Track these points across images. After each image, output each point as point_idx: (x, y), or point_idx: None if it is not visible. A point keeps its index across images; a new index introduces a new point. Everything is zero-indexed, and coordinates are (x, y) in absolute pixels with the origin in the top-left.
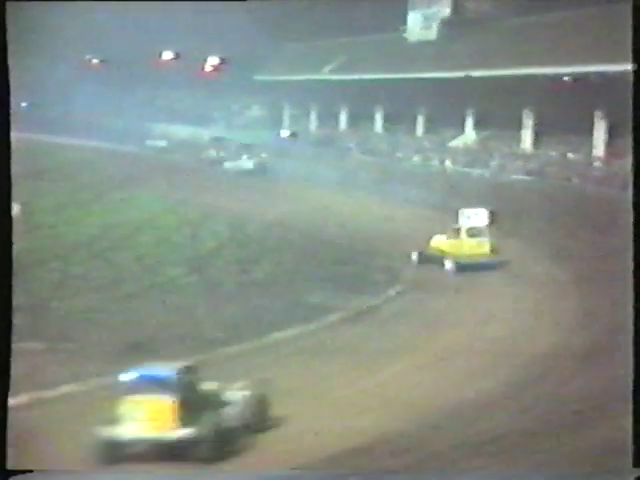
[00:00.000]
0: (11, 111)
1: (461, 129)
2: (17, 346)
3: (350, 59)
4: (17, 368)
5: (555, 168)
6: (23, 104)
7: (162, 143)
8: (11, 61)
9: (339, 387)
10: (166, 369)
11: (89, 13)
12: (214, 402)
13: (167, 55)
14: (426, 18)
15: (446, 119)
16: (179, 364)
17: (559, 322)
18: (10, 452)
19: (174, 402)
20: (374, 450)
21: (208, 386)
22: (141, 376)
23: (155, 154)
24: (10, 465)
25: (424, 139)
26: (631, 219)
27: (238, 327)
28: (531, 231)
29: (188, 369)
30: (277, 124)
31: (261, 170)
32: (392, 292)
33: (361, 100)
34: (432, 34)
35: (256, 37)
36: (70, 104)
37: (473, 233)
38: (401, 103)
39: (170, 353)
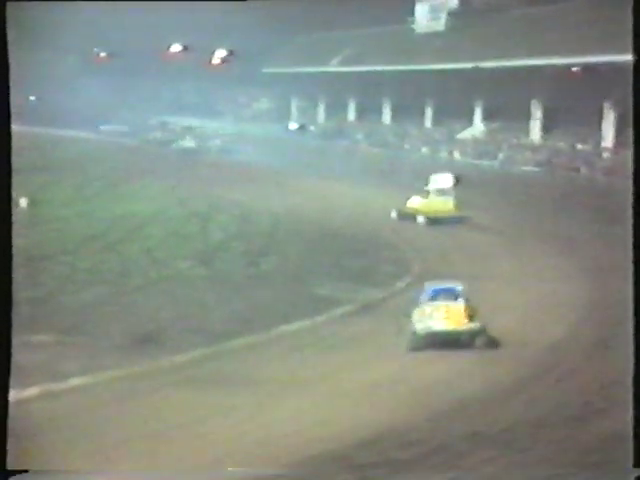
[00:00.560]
0: (20, 105)
1: (469, 120)
2: (26, 339)
3: (358, 51)
4: (26, 361)
5: (564, 159)
6: (31, 98)
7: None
8: (19, 55)
9: (348, 379)
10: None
11: (97, 6)
12: None
13: (175, 48)
14: (434, 9)
15: (454, 110)
16: None
17: (567, 313)
18: (14, 449)
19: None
20: (383, 442)
21: None
22: (436, 289)
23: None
24: (12, 464)
25: (432, 131)
26: (630, 210)
27: (246, 319)
28: (539, 222)
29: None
30: (285, 116)
31: (205, 150)
32: (401, 284)
33: (369, 92)
34: (440, 25)
35: (264, 29)
36: (78, 97)
37: (440, 193)
38: (409, 95)
39: (179, 345)
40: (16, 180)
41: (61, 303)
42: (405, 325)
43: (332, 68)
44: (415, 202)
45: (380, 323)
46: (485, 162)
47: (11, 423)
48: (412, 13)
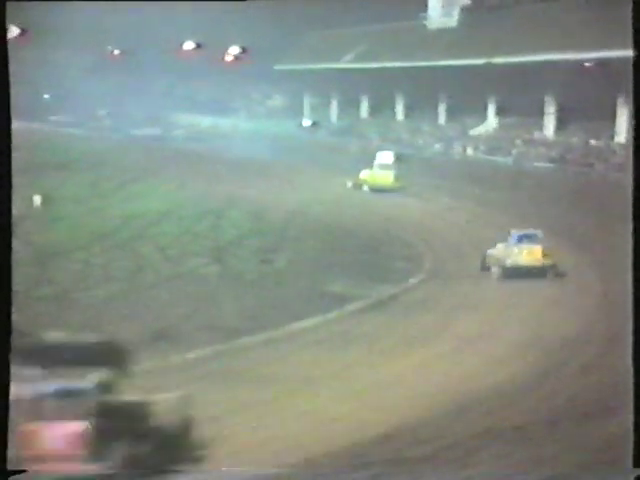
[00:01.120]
0: (34, 103)
1: (483, 116)
2: (39, 335)
3: (371, 47)
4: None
5: (577, 155)
6: (46, 96)
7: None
8: (34, 54)
9: (360, 376)
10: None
11: (110, 5)
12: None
13: (188, 45)
14: (446, 5)
15: (467, 106)
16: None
17: (580, 310)
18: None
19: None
20: (395, 439)
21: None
22: (521, 235)
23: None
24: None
25: (445, 127)
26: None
27: (259, 317)
28: (553, 218)
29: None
30: (298, 113)
31: (171, 138)
32: (413, 280)
33: (382, 88)
34: (453, 21)
35: (276, 26)
36: (92, 95)
37: (382, 168)
38: (422, 91)
39: (191, 342)
40: (30, 178)
41: (74, 300)
42: None
43: (345, 65)
44: (363, 175)
45: (392, 320)
46: (498, 158)
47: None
48: (425, 9)
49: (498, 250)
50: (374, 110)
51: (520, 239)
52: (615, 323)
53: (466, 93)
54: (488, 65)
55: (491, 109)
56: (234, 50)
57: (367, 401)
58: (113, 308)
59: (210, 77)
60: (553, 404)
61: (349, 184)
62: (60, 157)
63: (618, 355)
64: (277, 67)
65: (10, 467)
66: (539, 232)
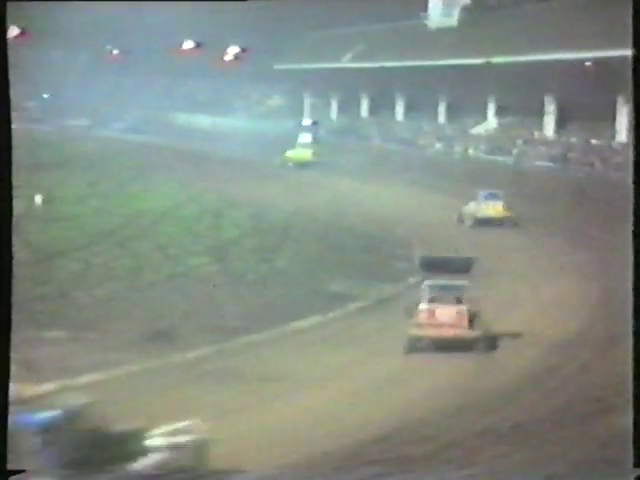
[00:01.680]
0: (34, 103)
1: (483, 116)
2: (40, 335)
3: (370, 47)
4: (40, 357)
5: (578, 154)
6: (45, 96)
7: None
8: (33, 54)
9: (361, 375)
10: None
11: (109, 4)
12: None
13: (188, 45)
14: (447, 5)
15: (468, 106)
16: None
17: (580, 309)
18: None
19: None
20: (394, 438)
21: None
22: (486, 194)
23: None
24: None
25: (446, 126)
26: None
27: (259, 316)
28: (553, 217)
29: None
30: (298, 113)
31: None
32: (413, 280)
33: (382, 88)
34: (453, 21)
35: (276, 26)
36: (91, 95)
37: (302, 146)
38: (422, 90)
39: (191, 342)
40: (30, 177)
41: (75, 299)
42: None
43: (345, 64)
44: (288, 153)
45: (393, 319)
46: (499, 157)
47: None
48: (425, 9)
49: (470, 206)
50: (374, 110)
51: (486, 197)
52: (615, 323)
53: (466, 92)
54: (488, 65)
55: (491, 108)
56: (234, 50)
57: (367, 400)
58: (113, 307)
59: (210, 77)
60: (553, 403)
61: (276, 162)
62: (59, 156)
63: (618, 354)
64: (277, 67)
65: (10, 467)
66: (500, 192)
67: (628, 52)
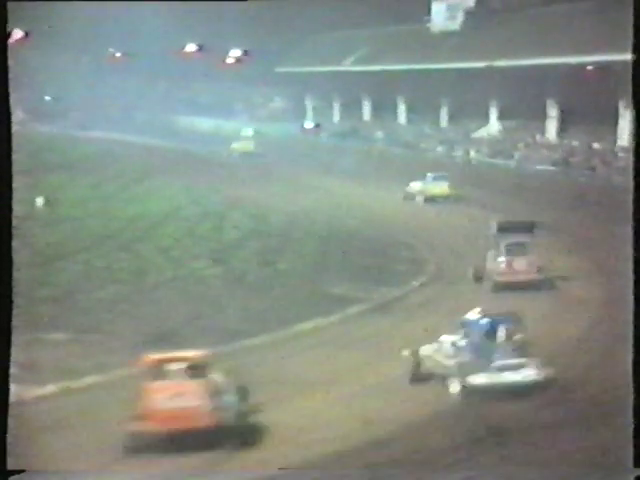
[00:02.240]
0: (36, 105)
1: (485, 119)
2: (42, 337)
3: (373, 50)
4: (42, 359)
5: (580, 158)
6: (47, 98)
7: None
8: (35, 56)
9: (363, 378)
10: None
11: (112, 7)
12: None
13: (190, 47)
14: (450, 8)
15: (470, 109)
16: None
17: (582, 313)
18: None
19: None
20: (397, 441)
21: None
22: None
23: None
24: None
25: (448, 130)
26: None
27: (261, 319)
28: (555, 221)
29: None
30: (300, 116)
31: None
32: (415, 283)
33: (384, 91)
34: (456, 24)
35: (278, 29)
36: (94, 97)
37: (243, 139)
38: (425, 94)
39: (193, 344)
40: (32, 180)
41: (77, 302)
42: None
43: (347, 67)
44: (233, 144)
45: (395, 322)
46: (501, 161)
47: (18, 421)
48: (428, 12)
49: (418, 185)
50: (376, 113)
51: (434, 179)
52: (616, 326)
53: (469, 96)
54: (491, 68)
55: (493, 112)
56: (236, 52)
57: (370, 403)
58: (115, 309)
59: (212, 79)
60: (554, 406)
61: (224, 154)
62: (61, 159)
63: (618, 357)
64: (279, 69)
65: (10, 467)
66: (446, 174)
67: (630, 56)
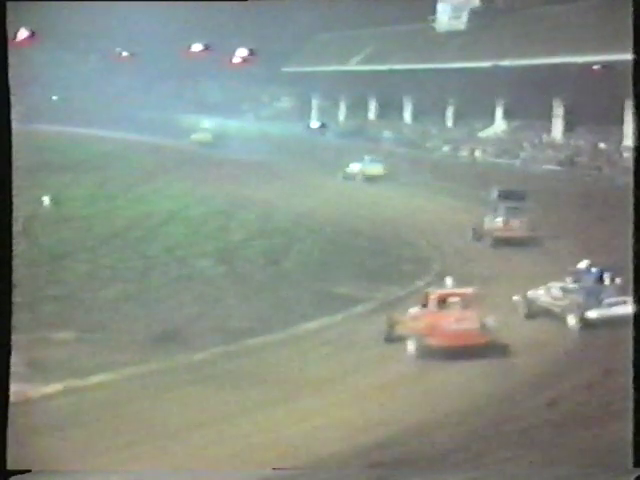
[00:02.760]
0: (42, 104)
1: (491, 119)
2: (48, 335)
3: (379, 50)
4: (48, 357)
5: (586, 158)
6: (54, 97)
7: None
8: (42, 56)
9: (367, 377)
10: None
11: (118, 6)
12: None
13: (196, 47)
14: (455, 8)
15: (476, 109)
16: None
17: None
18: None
19: None
20: (402, 441)
21: None
22: None
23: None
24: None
25: (454, 129)
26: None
27: (266, 318)
28: (561, 221)
29: None
30: (306, 115)
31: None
32: (420, 283)
33: (390, 91)
34: (461, 24)
35: (284, 28)
36: (100, 97)
37: (202, 132)
38: (430, 93)
39: (199, 343)
40: (38, 179)
41: (82, 301)
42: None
43: (353, 67)
44: (192, 136)
45: None
46: (506, 161)
47: (19, 421)
48: (433, 12)
49: (357, 166)
50: (382, 112)
51: (370, 161)
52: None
53: (474, 96)
54: (496, 68)
55: (499, 112)
56: (242, 52)
57: (375, 402)
58: (121, 308)
59: (218, 79)
60: (555, 406)
61: (186, 141)
62: (67, 158)
63: (618, 357)
64: (285, 69)
65: (16, 467)
66: (381, 158)
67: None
